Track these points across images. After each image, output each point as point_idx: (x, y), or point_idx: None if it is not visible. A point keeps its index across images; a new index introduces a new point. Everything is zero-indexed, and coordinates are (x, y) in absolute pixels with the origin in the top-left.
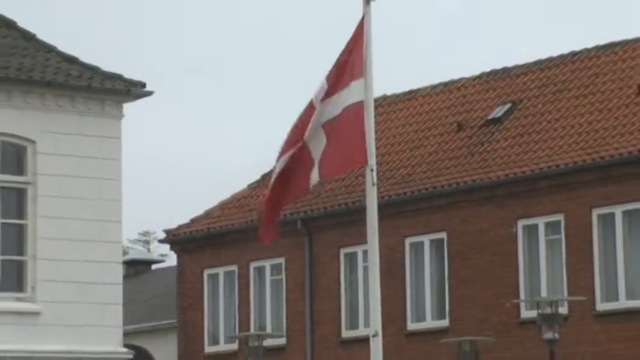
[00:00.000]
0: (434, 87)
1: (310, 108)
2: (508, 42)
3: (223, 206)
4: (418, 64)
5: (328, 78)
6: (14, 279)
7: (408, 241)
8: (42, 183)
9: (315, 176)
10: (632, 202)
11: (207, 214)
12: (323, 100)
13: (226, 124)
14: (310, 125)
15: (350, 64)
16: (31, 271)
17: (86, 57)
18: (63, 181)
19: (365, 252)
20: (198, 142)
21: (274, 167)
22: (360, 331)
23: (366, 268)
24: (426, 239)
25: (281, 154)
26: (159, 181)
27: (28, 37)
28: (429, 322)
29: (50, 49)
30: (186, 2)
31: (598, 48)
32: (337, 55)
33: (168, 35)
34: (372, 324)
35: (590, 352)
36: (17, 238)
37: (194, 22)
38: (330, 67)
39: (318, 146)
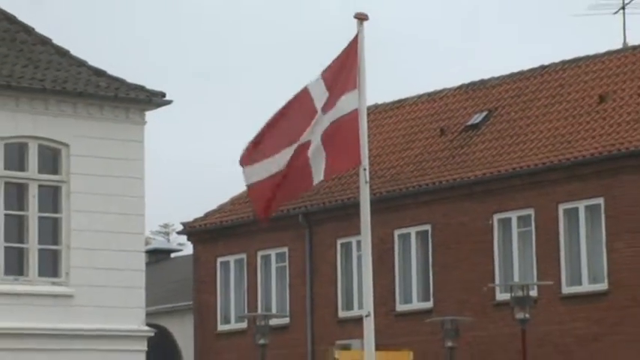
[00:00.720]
0: (419, 97)
1: (308, 106)
2: (485, 57)
3: (234, 201)
4: (405, 77)
5: (327, 85)
6: (50, 266)
7: (396, 233)
8: (74, 181)
9: (317, 175)
10: (594, 198)
11: (220, 209)
12: (324, 110)
13: (237, 127)
14: (311, 129)
15: (344, 77)
16: (65, 259)
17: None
18: (93, 179)
19: (359, 242)
20: (211, 143)
21: (254, 173)
22: (355, 312)
23: (359, 257)
24: (412, 231)
25: (278, 148)
26: (177, 179)
27: (62, 52)
28: (415, 304)
29: (81, 64)
30: (187, 10)
31: (564, 62)
32: (330, 65)
33: (175, 43)
34: (365, 305)
35: (557, 330)
36: (53, 230)
37: (198, 30)
38: (323, 73)
39: (316, 149)
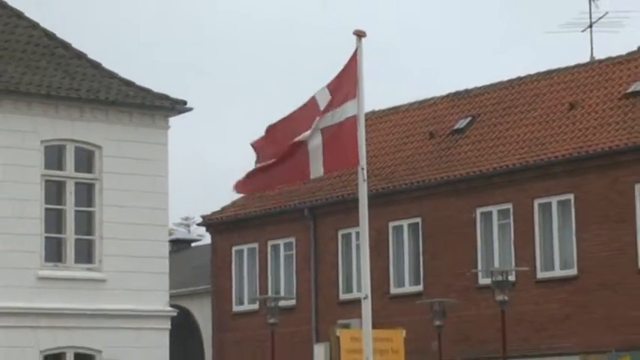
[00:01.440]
0: (411, 104)
1: (313, 110)
2: (469, 69)
3: (247, 197)
4: (399, 87)
5: (328, 95)
6: (85, 254)
7: (391, 225)
8: (106, 179)
9: (317, 171)
10: (565, 194)
11: (234, 203)
12: (325, 111)
13: (246, 128)
14: (312, 126)
15: (346, 86)
16: (98, 248)
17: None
18: (122, 177)
19: (357, 233)
20: (228, 146)
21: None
22: (354, 294)
23: (358, 246)
24: (405, 223)
25: (275, 146)
26: (197, 177)
27: (95, 65)
28: (408, 287)
29: (113, 76)
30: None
31: (538, 74)
32: (334, 77)
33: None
34: (362, 289)
35: (532, 310)
36: (87, 222)
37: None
38: (328, 84)
39: (315, 145)
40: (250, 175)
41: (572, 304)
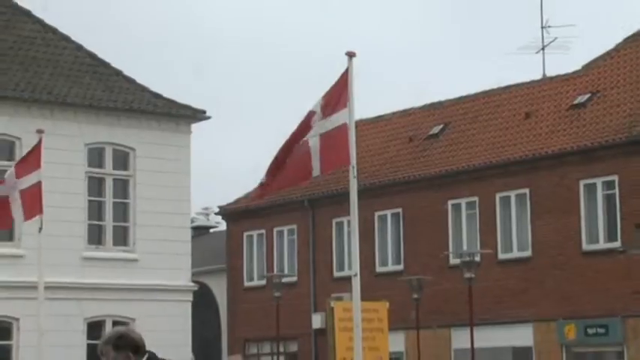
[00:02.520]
0: (394, 113)
1: (308, 120)
2: (442, 84)
3: (261, 190)
4: (383, 98)
5: (323, 105)
6: (122, 238)
7: (376, 214)
8: (139, 176)
9: (316, 170)
10: (522, 189)
11: (246, 196)
12: (320, 119)
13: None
14: (311, 132)
15: (337, 98)
16: (132, 233)
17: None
18: (152, 174)
19: (348, 221)
20: (239, 146)
21: (278, 154)
22: (346, 272)
23: (349, 232)
24: (388, 213)
25: (286, 147)
26: (214, 173)
27: (130, 80)
28: (390, 267)
29: (144, 89)
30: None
31: (500, 88)
32: (329, 89)
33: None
34: (352, 268)
35: (494, 285)
36: (123, 212)
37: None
38: (323, 95)
39: (315, 149)
40: (264, 183)
41: (527, 281)
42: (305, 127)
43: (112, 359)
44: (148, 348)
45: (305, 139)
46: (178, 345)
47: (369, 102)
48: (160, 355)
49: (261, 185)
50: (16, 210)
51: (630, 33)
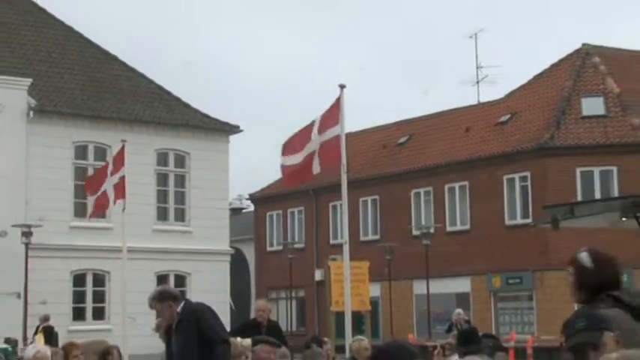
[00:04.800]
0: (372, 128)
1: (310, 126)
2: (407, 106)
3: (276, 182)
4: (363, 118)
5: (322, 122)
6: (181, 216)
7: (360, 200)
8: (193, 172)
9: (316, 169)
10: (463, 182)
11: (268, 186)
12: (320, 132)
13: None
14: (313, 142)
15: (331, 117)
16: (187, 213)
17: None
18: (201, 171)
19: (341, 205)
20: (263, 149)
21: (286, 161)
22: (338, 241)
23: (341, 212)
24: (369, 199)
25: (292, 152)
26: (246, 171)
27: (186, 105)
28: (370, 237)
29: (196, 111)
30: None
31: (448, 110)
32: (326, 110)
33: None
34: (343, 237)
35: (443, 250)
36: (181, 197)
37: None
38: (322, 114)
39: (316, 154)
40: (287, 176)
41: (466, 246)
42: (308, 130)
43: (159, 309)
44: (198, 295)
45: (309, 147)
46: (220, 292)
47: (353, 120)
48: (206, 301)
49: (282, 171)
50: (110, 197)
51: (538, 72)
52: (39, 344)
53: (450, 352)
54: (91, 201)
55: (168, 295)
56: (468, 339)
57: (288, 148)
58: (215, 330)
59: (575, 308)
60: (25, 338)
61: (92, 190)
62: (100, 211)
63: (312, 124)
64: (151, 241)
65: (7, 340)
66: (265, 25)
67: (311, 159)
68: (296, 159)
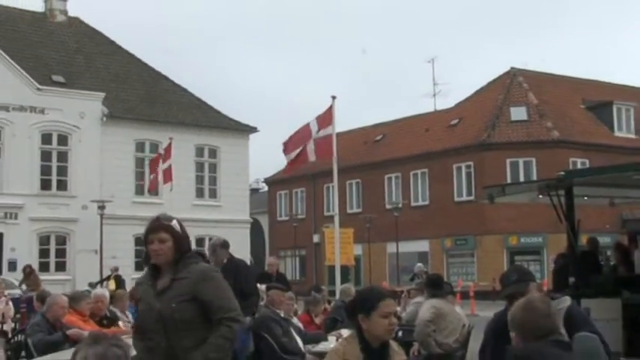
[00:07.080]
0: (355, 129)
1: (306, 131)
2: (379, 113)
3: (285, 169)
4: (350, 121)
5: (318, 123)
6: (213, 194)
7: (347, 182)
8: (222, 162)
9: (312, 157)
10: (423, 169)
11: (279, 172)
12: (317, 132)
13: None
14: (311, 138)
15: (325, 120)
16: (218, 191)
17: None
18: (229, 162)
19: (333, 187)
20: (274, 145)
21: (290, 152)
22: (331, 213)
23: (333, 192)
24: (353, 182)
25: (292, 149)
26: (261, 161)
27: (217, 111)
28: (355, 210)
29: (225, 116)
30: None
31: (411, 116)
32: (320, 114)
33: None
34: (334, 210)
35: (409, 219)
36: (214, 180)
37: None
38: (317, 117)
39: (312, 147)
40: (290, 163)
41: (426, 217)
42: (304, 129)
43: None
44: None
45: (308, 142)
46: (242, 251)
47: (343, 122)
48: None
49: (288, 163)
50: (160, 180)
51: (478, 87)
52: (109, 287)
53: (414, 295)
54: (149, 179)
55: (224, 244)
56: (436, 283)
57: (288, 146)
58: (250, 285)
59: (505, 263)
60: (100, 283)
61: (151, 171)
62: (153, 189)
63: (307, 125)
64: (191, 213)
65: (90, 284)
66: (267, 55)
67: (306, 150)
68: (295, 153)
